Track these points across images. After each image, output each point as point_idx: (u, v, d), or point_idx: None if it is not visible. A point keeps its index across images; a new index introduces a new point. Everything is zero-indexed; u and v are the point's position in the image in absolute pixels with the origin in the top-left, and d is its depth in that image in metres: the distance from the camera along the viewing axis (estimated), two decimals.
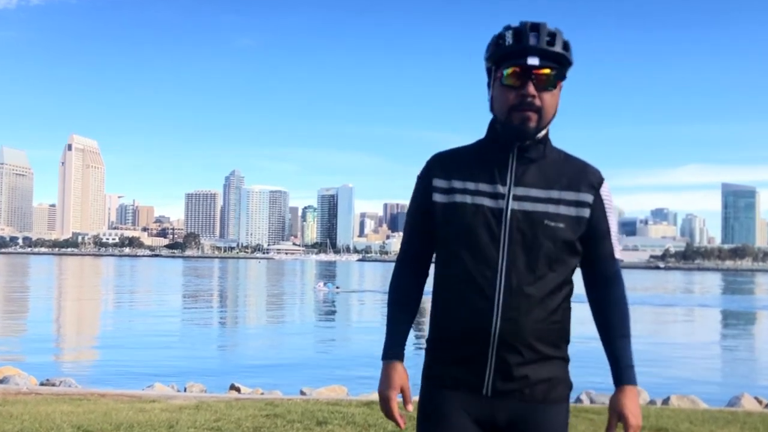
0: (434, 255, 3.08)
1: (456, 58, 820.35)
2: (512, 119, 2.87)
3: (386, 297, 3.19)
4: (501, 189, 2.89)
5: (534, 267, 2.86)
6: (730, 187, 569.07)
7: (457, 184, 2.93)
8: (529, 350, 2.84)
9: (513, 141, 2.92)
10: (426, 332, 3.07)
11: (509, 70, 2.87)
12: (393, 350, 3.08)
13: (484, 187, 2.90)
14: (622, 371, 2.98)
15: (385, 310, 3.16)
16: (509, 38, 2.88)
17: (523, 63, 2.85)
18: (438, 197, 2.96)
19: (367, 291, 71.72)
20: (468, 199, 2.90)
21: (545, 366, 2.89)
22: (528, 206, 2.88)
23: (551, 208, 2.90)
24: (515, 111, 2.86)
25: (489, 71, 2.99)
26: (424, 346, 3.08)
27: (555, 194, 2.91)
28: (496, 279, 2.83)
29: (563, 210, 2.91)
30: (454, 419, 2.90)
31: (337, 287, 72.25)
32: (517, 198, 2.88)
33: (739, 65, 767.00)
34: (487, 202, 2.88)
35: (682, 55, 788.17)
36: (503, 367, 2.84)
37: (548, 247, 2.87)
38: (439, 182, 2.97)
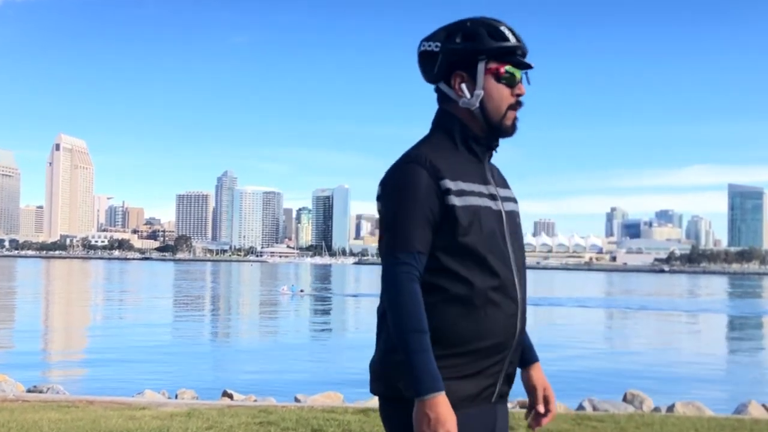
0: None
1: None
2: (507, 117, 2.88)
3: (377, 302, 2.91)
4: (493, 190, 2.89)
5: (524, 266, 2.95)
6: (737, 188, 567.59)
7: (464, 185, 2.79)
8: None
9: (497, 139, 2.94)
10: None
11: (511, 68, 2.87)
12: (438, 381, 2.61)
13: (480, 188, 2.84)
14: (531, 349, 3.05)
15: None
16: (509, 35, 2.86)
17: (523, 62, 2.90)
18: (455, 200, 2.74)
19: (336, 294, 72.76)
20: (480, 201, 2.81)
21: None
22: (507, 206, 2.93)
23: (514, 206, 2.98)
24: (511, 109, 2.88)
25: (467, 60, 2.88)
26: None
27: (508, 192, 3.00)
28: (515, 283, 2.83)
29: (516, 207, 3.00)
30: None
31: (301, 290, 73.47)
32: (501, 198, 2.92)
33: (746, 62, 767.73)
34: (491, 204, 2.84)
35: (687, 53, 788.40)
36: (510, 370, 2.86)
37: (523, 244, 2.97)
38: (449, 184, 2.76)
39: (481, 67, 2.86)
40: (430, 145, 2.87)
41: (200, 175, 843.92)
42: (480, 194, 2.82)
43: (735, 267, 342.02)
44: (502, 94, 2.87)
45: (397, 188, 2.80)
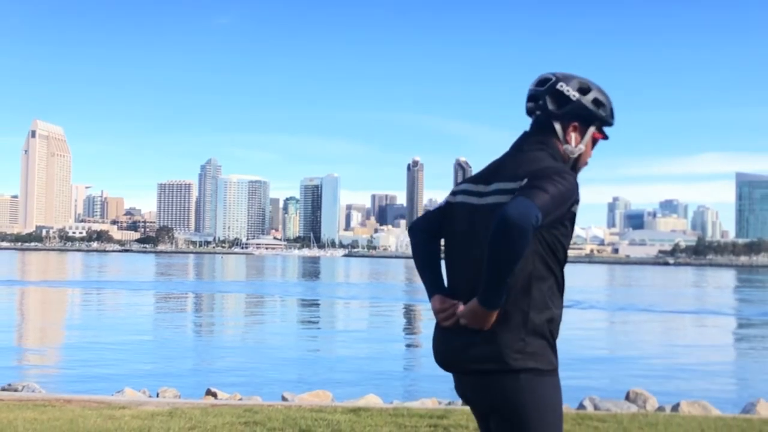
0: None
1: (450, 40, 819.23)
2: (580, 169, 3.83)
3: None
4: None
5: None
6: (745, 177, 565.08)
7: None
8: None
9: None
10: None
11: (600, 138, 3.84)
12: None
13: None
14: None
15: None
16: (612, 115, 3.82)
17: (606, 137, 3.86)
18: (576, 209, 3.57)
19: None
20: None
21: None
22: None
23: None
24: (584, 166, 3.85)
25: (587, 121, 3.75)
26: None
27: None
28: None
29: None
30: None
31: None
32: None
33: (758, 46, 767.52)
34: None
35: (698, 34, 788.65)
36: None
37: None
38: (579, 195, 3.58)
39: (591, 130, 3.77)
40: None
41: (183, 163, 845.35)
42: None
43: (743, 259, 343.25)
44: (588, 156, 3.83)
45: (563, 186, 3.45)
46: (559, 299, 3.61)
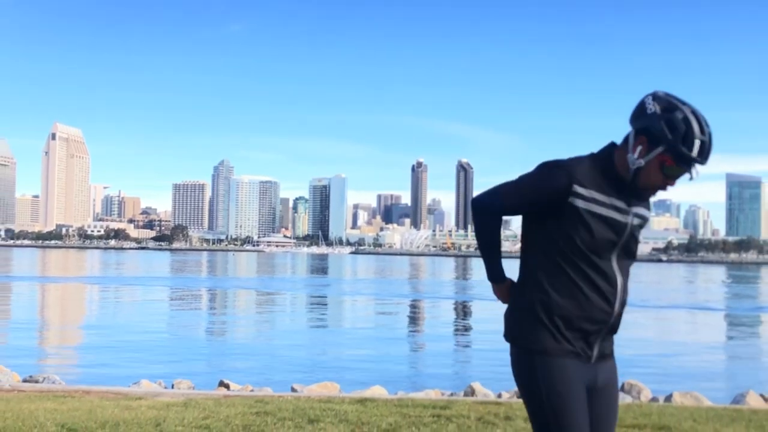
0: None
1: (453, 45, 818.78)
2: (645, 189, 3.70)
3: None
4: (620, 204, 3.71)
5: (629, 272, 3.85)
6: (735, 178, 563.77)
7: (596, 195, 3.67)
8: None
9: (630, 192, 3.72)
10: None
11: (678, 169, 3.60)
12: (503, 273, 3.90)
13: (612, 201, 3.70)
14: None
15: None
16: (696, 147, 3.55)
17: (690, 171, 3.64)
18: (579, 203, 3.63)
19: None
20: (603, 210, 3.67)
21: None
22: (636, 221, 3.76)
23: (640, 221, 3.81)
24: (652, 190, 3.71)
25: (655, 139, 3.56)
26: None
27: (647, 212, 3.86)
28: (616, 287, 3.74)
29: (641, 221, 3.84)
30: (581, 386, 3.66)
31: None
32: (635, 215, 3.75)
33: (745, 50, 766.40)
34: (617, 215, 3.70)
35: (686, 39, 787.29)
36: (605, 343, 3.80)
37: (634, 252, 3.84)
38: (580, 189, 3.62)
39: (657, 150, 3.57)
40: (578, 161, 3.71)
41: (197, 164, 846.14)
42: (608, 206, 3.67)
43: (733, 257, 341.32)
44: (654, 177, 3.63)
45: (532, 174, 3.71)
46: (574, 291, 3.66)
